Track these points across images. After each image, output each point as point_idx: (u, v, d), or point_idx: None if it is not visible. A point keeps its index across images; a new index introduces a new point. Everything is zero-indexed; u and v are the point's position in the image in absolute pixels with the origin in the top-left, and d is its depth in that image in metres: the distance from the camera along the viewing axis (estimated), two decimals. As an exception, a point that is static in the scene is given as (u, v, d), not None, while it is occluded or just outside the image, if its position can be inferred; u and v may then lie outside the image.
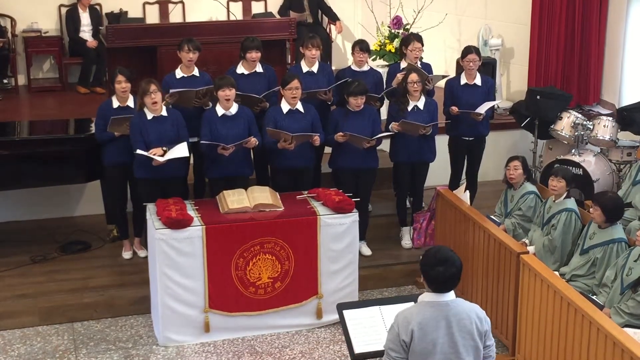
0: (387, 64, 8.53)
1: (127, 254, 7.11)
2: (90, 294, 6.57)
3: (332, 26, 10.73)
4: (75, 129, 7.54)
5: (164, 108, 6.48)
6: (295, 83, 6.58)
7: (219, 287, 6.11)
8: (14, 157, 6.79)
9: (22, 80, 10.24)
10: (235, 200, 6.26)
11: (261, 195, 6.32)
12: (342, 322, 4.57)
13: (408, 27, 8.76)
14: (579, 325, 4.98)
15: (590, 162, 7.54)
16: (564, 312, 5.14)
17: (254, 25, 8.19)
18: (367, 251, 7.23)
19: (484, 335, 3.91)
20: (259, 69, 7.02)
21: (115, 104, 6.73)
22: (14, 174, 6.82)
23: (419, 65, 7.30)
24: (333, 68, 8.45)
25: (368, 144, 6.74)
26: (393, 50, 8.63)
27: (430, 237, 7.28)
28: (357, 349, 4.44)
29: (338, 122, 6.82)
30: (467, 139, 7.43)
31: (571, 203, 6.24)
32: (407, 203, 7.57)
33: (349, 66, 7.44)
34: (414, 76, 6.92)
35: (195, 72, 6.92)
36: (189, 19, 10.70)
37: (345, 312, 4.57)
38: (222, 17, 10.67)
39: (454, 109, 7.25)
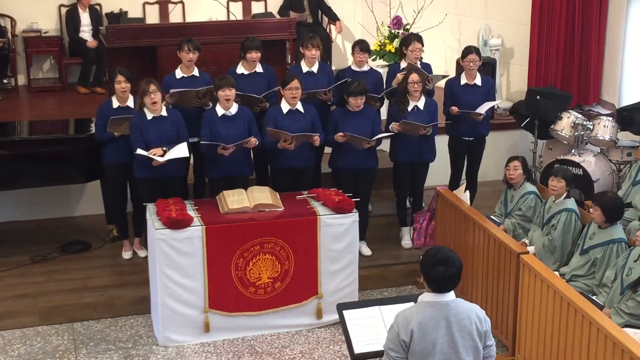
0: (387, 64, 8.53)
1: (127, 254, 7.11)
2: (90, 294, 6.57)
3: (332, 26, 10.74)
4: (75, 129, 7.54)
5: (164, 108, 6.48)
6: (295, 83, 6.58)
7: (219, 287, 6.12)
8: (14, 157, 6.78)
9: (22, 80, 10.24)
10: (235, 200, 6.26)
11: (261, 195, 6.32)
12: (342, 322, 4.57)
13: (408, 27, 8.76)
14: (579, 326, 4.99)
15: (590, 162, 7.54)
16: (564, 312, 5.14)
17: (254, 25, 8.19)
18: (367, 251, 7.23)
19: (484, 335, 3.91)
20: (259, 69, 7.03)
21: (115, 104, 6.73)
22: (14, 174, 6.82)
23: (419, 65, 7.30)
24: (333, 68, 8.46)
25: (368, 144, 6.74)
26: (393, 51, 8.63)
27: (430, 237, 7.28)
28: (357, 349, 4.44)
29: (338, 122, 6.82)
30: (467, 139, 7.43)
31: (571, 203, 6.24)
32: (407, 203, 7.57)
33: (349, 66, 7.44)
34: (414, 76, 6.92)
35: (195, 72, 6.92)
36: (189, 19, 10.71)
37: (345, 312, 4.57)
38: (222, 17, 10.67)
39: (454, 109, 7.25)
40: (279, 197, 6.44)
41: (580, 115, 7.78)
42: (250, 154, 6.82)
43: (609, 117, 7.71)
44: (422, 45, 7.36)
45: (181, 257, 6.00)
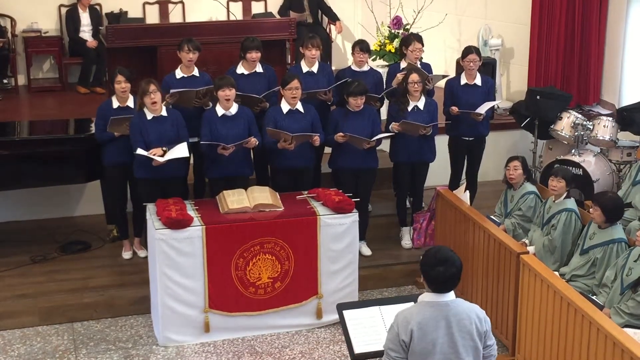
0: (387, 64, 8.53)
1: (127, 254, 7.11)
2: (90, 294, 6.57)
3: (332, 26, 10.74)
4: (75, 129, 7.54)
5: (164, 108, 6.49)
6: (295, 83, 6.58)
7: (219, 287, 6.11)
8: (14, 157, 6.78)
9: (22, 80, 10.24)
10: (235, 200, 6.26)
11: (261, 196, 6.32)
12: (342, 322, 4.57)
13: (408, 27, 8.76)
14: (579, 326, 4.99)
15: (590, 162, 7.54)
16: (564, 312, 5.14)
17: (254, 25, 8.19)
18: (367, 251, 7.23)
19: (484, 335, 3.91)
20: (259, 69, 7.03)
21: (115, 104, 6.73)
22: (14, 174, 6.82)
23: (419, 66, 7.30)
24: (333, 68, 8.45)
25: (368, 144, 6.74)
26: (393, 51, 8.63)
27: (430, 237, 7.28)
28: (357, 349, 4.44)
29: (338, 122, 6.82)
30: (467, 139, 7.43)
31: (571, 203, 6.24)
32: (407, 203, 7.57)
33: (349, 66, 7.43)
34: (414, 76, 6.92)
35: (195, 72, 6.92)
36: (189, 19, 10.71)
37: (345, 312, 4.57)
38: (222, 17, 10.67)
39: (454, 109, 7.25)
40: (279, 197, 6.44)
41: (580, 115, 7.78)
42: (250, 154, 6.82)
43: (609, 117, 7.71)
44: (422, 45, 7.36)
45: (181, 257, 6.00)
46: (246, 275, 6.17)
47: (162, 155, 6.33)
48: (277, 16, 10.47)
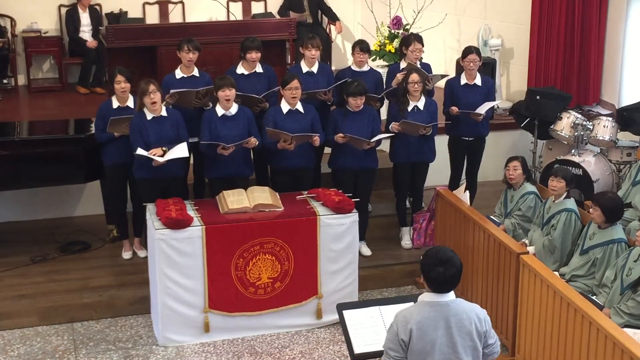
0: (386, 64, 8.53)
1: (127, 254, 7.11)
2: (90, 294, 6.57)
3: (332, 26, 10.74)
4: (75, 129, 7.54)
5: (164, 108, 6.48)
6: (295, 83, 6.58)
7: (219, 287, 6.11)
8: (14, 157, 6.79)
9: (22, 80, 10.25)
10: (235, 200, 6.26)
11: (261, 196, 6.32)
12: (342, 322, 4.58)
13: (408, 27, 8.76)
14: (578, 326, 4.99)
15: (590, 162, 7.54)
16: (564, 313, 5.14)
17: (254, 25, 8.19)
18: (367, 251, 7.23)
19: (484, 335, 3.91)
20: (258, 69, 7.03)
21: (115, 104, 6.73)
22: (13, 174, 6.82)
23: (419, 66, 7.30)
24: (333, 68, 8.46)
25: (368, 145, 6.74)
26: (393, 51, 8.63)
27: (430, 238, 7.28)
28: (357, 349, 4.44)
29: (337, 123, 6.82)
30: (467, 139, 7.43)
31: (571, 203, 6.24)
32: (407, 203, 7.57)
33: (349, 66, 7.43)
34: (414, 76, 6.92)
35: (195, 72, 6.92)
36: (188, 19, 10.71)
37: (345, 313, 4.58)
38: (222, 17, 10.68)
39: (454, 109, 7.25)
40: (278, 197, 6.44)
41: (580, 116, 7.78)
42: (250, 154, 6.82)
43: (608, 117, 7.71)
44: (422, 45, 7.36)
45: (181, 257, 6.00)
46: (246, 275, 6.17)
47: (162, 156, 6.33)
48: (277, 16, 10.48)
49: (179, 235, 5.96)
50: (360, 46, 7.22)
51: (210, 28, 8.10)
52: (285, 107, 6.67)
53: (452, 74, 8.52)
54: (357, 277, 6.50)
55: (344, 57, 10.98)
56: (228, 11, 10.76)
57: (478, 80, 7.36)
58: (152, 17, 10.72)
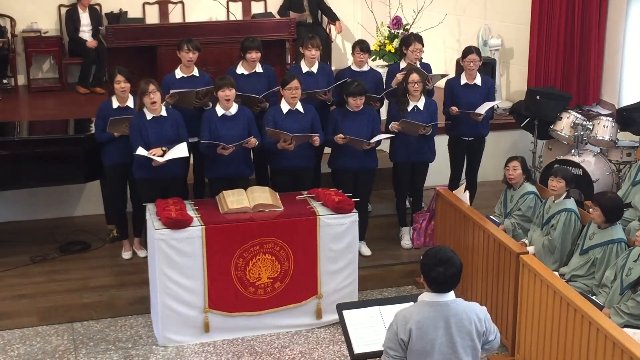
0: (386, 64, 8.53)
1: (126, 254, 7.11)
2: (90, 294, 6.57)
3: (332, 26, 10.74)
4: (75, 129, 7.54)
5: (164, 108, 6.48)
6: (294, 83, 6.58)
7: (219, 287, 6.11)
8: (14, 157, 6.79)
9: (21, 80, 10.25)
10: (235, 200, 6.26)
11: (261, 196, 6.32)
12: (341, 322, 4.57)
13: (408, 27, 8.76)
14: (578, 326, 4.99)
15: (589, 162, 7.54)
16: (564, 312, 5.14)
17: (254, 25, 8.19)
18: (366, 251, 7.23)
19: (483, 334, 3.91)
20: (258, 69, 7.02)
21: (115, 104, 6.73)
22: (13, 174, 6.82)
23: (418, 66, 7.30)
24: (333, 68, 8.46)
25: (368, 146, 6.74)
26: (393, 51, 8.63)
27: (430, 238, 7.28)
28: (357, 349, 4.44)
29: (337, 123, 6.82)
30: (467, 139, 7.43)
31: (571, 203, 6.24)
32: (407, 203, 7.57)
33: (349, 66, 7.43)
34: (415, 76, 6.92)
35: (195, 72, 6.92)
36: (188, 19, 10.71)
37: (345, 313, 4.58)
38: (222, 17, 10.68)
39: (454, 109, 7.25)
40: (278, 197, 6.44)
41: (579, 116, 7.78)
42: (250, 154, 6.82)
43: (608, 117, 7.71)
44: (423, 45, 7.36)
45: (181, 257, 6.00)
46: (246, 275, 6.17)
47: (162, 156, 6.33)
48: (277, 16, 10.47)
49: (178, 235, 5.96)
50: (360, 46, 7.22)
51: (210, 28, 8.10)
52: (285, 107, 6.67)
53: (452, 74, 8.52)
54: (357, 277, 6.50)
55: (344, 57, 10.98)
56: (228, 11, 10.76)
57: (478, 80, 7.36)
58: (152, 17, 10.72)
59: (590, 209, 5.92)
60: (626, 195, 6.68)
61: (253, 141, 6.51)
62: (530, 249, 6.20)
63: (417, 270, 4.10)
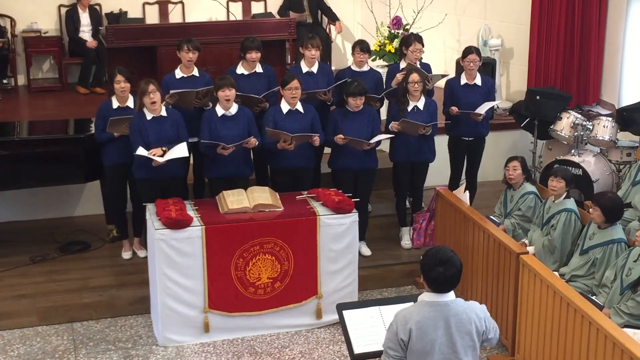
0: (386, 64, 8.53)
1: (126, 254, 7.11)
2: (90, 294, 6.57)
3: (332, 26, 10.74)
4: (74, 129, 7.54)
5: (164, 108, 6.48)
6: (294, 83, 6.58)
7: (219, 288, 6.11)
8: (14, 157, 6.79)
9: (21, 80, 10.25)
10: (235, 200, 6.26)
11: (261, 196, 6.32)
12: (341, 322, 4.57)
13: (408, 27, 8.76)
14: (578, 326, 4.99)
15: (589, 162, 7.54)
16: (564, 313, 5.14)
17: (254, 25, 8.20)
18: (366, 251, 7.23)
19: (482, 333, 3.92)
20: (258, 69, 7.02)
21: (115, 104, 6.73)
22: (13, 174, 6.82)
23: (418, 66, 7.30)
24: (333, 68, 8.45)
25: (368, 146, 6.74)
26: (393, 51, 8.63)
27: (430, 238, 7.28)
28: (357, 349, 4.44)
29: (337, 123, 6.82)
30: (467, 139, 7.43)
31: (571, 203, 6.24)
32: (407, 203, 7.57)
33: (349, 66, 7.43)
34: (415, 76, 6.92)
35: (195, 72, 6.92)
36: (188, 19, 10.71)
37: (345, 313, 4.58)
38: (222, 17, 10.68)
39: (454, 109, 7.25)
40: (278, 197, 6.44)
41: (579, 116, 7.78)
42: (250, 154, 6.82)
43: (608, 118, 7.71)
44: (423, 45, 7.36)
45: (181, 257, 6.00)
46: (246, 275, 6.17)
47: (162, 156, 6.33)
48: (277, 16, 10.47)
49: (178, 235, 5.96)
50: (361, 46, 7.22)
51: (210, 28, 8.10)
52: (285, 107, 6.67)
53: (452, 74, 8.52)
54: (357, 277, 6.50)
55: (343, 57, 10.98)
56: (228, 11, 10.76)
57: (478, 80, 7.36)
58: (152, 17, 10.72)
59: (590, 209, 5.92)
60: (626, 195, 6.68)
61: (253, 141, 6.51)
62: (530, 249, 6.20)
63: (417, 270, 4.10)
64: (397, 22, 8.76)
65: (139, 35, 7.74)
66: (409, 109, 6.98)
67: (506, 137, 8.76)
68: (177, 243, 5.97)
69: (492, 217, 6.82)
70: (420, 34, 7.55)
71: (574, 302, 5.03)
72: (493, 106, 7.50)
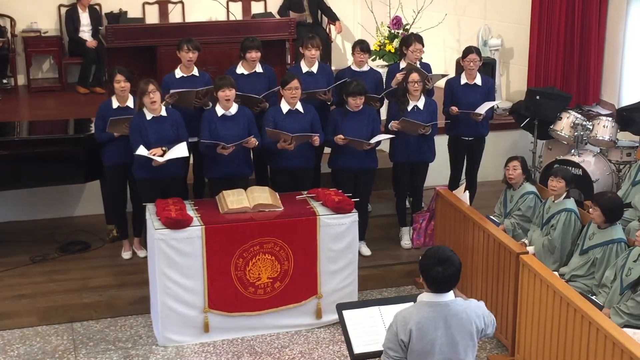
0: (386, 64, 8.53)
1: (126, 254, 7.11)
2: (90, 294, 6.57)
3: (332, 26, 10.74)
4: (74, 129, 7.54)
5: (164, 108, 6.48)
6: (294, 83, 6.58)
7: (219, 287, 6.11)
8: (14, 157, 6.79)
9: (21, 80, 10.25)
10: (235, 200, 6.26)
11: (261, 196, 6.32)
12: (341, 322, 4.57)
13: (408, 27, 8.76)
14: (578, 326, 4.99)
15: (589, 162, 7.54)
16: (564, 312, 5.14)
17: (254, 25, 8.20)
18: (366, 251, 7.23)
19: (482, 332, 3.92)
20: (258, 69, 7.02)
21: (115, 104, 6.72)
22: (13, 174, 6.82)
23: (418, 66, 7.30)
24: (333, 68, 8.45)
25: (368, 146, 6.74)
26: (393, 51, 8.63)
27: (430, 237, 7.28)
28: (357, 349, 4.44)
29: (337, 123, 6.82)
30: (467, 139, 7.43)
31: (571, 203, 6.24)
32: (407, 203, 7.57)
33: (349, 66, 7.43)
34: (415, 76, 6.92)
35: (195, 71, 6.92)
36: (188, 19, 10.71)
37: (345, 313, 4.57)
38: (222, 17, 10.68)
39: (454, 109, 7.25)
40: (278, 197, 6.44)
41: (579, 116, 7.78)
42: (250, 154, 6.82)
43: (608, 117, 7.71)
44: (423, 45, 7.36)
45: (181, 257, 6.00)
46: (246, 275, 6.17)
47: (162, 155, 6.33)
48: (277, 16, 10.47)
49: (178, 235, 5.96)
50: (361, 46, 7.22)
51: (210, 28, 8.10)
52: (285, 107, 6.67)
53: (452, 74, 8.52)
54: (357, 277, 6.50)
55: (343, 57, 10.98)
56: (228, 11, 10.76)
57: (478, 80, 7.36)
58: (152, 17, 10.72)
59: (590, 209, 5.92)
60: (626, 195, 6.68)
61: (253, 141, 6.51)
62: (530, 249, 6.20)
63: (417, 270, 4.10)
64: (397, 22, 8.76)
65: (139, 35, 7.74)
66: (409, 108, 6.98)
67: (506, 137, 8.76)
68: (177, 243, 5.97)
69: (492, 217, 6.82)
70: (420, 34, 7.55)
71: (573, 302, 5.03)
72: (493, 106, 7.50)
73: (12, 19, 10.16)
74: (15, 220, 7.63)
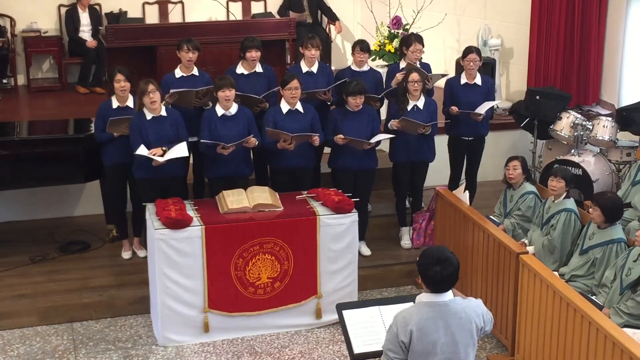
0: (386, 64, 8.53)
1: (126, 254, 7.11)
2: (90, 294, 6.57)
3: (332, 26, 10.74)
4: (74, 129, 7.54)
5: (164, 108, 6.48)
6: (294, 83, 6.58)
7: (219, 287, 6.11)
8: (14, 157, 6.79)
9: (21, 80, 10.25)
10: (235, 200, 6.26)
11: (261, 196, 6.32)
12: (341, 322, 4.57)
13: (407, 27, 8.76)
14: (578, 326, 4.99)
15: (589, 162, 7.54)
16: (564, 312, 5.14)
17: (254, 25, 8.20)
18: (366, 251, 7.23)
19: (481, 330, 3.92)
20: (258, 69, 7.02)
21: (115, 104, 6.73)
22: (13, 174, 6.82)
23: (418, 66, 7.30)
24: (332, 68, 8.45)
25: (368, 146, 6.74)
26: (392, 51, 8.63)
27: (430, 237, 7.28)
28: (357, 349, 4.43)
29: (337, 122, 6.82)
30: (467, 139, 7.43)
31: (570, 203, 6.24)
32: (407, 203, 7.57)
33: (349, 66, 7.44)
34: (415, 75, 6.92)
35: (195, 71, 6.92)
36: (188, 19, 10.71)
37: (345, 312, 4.57)
38: (222, 17, 10.68)
39: (454, 109, 7.25)
40: (278, 197, 6.44)
41: (579, 116, 7.79)
42: (250, 154, 6.82)
43: (608, 117, 7.71)
44: (423, 46, 7.36)
45: (181, 257, 6.00)
46: (246, 275, 6.17)
47: (162, 155, 6.33)
48: (277, 16, 10.47)
49: (178, 235, 5.96)
50: (361, 46, 7.22)
51: (210, 28, 8.10)
52: (285, 107, 6.67)
53: (452, 73, 8.52)
54: (357, 277, 6.50)
55: (343, 57, 10.98)
56: (228, 11, 10.76)
57: (478, 80, 7.36)
58: (152, 17, 10.72)
59: (590, 209, 5.92)
60: (626, 195, 6.68)
61: (253, 140, 6.51)
62: (530, 249, 6.20)
63: (417, 270, 4.09)
64: (397, 22, 8.76)
65: (139, 35, 7.74)
66: (409, 108, 6.98)
67: (506, 137, 8.76)
68: (176, 243, 5.97)
69: (491, 217, 6.82)
70: (420, 34, 7.56)
71: (573, 302, 5.03)
72: (493, 106, 7.50)
73: (12, 19, 10.16)
74: (15, 220, 7.63)
